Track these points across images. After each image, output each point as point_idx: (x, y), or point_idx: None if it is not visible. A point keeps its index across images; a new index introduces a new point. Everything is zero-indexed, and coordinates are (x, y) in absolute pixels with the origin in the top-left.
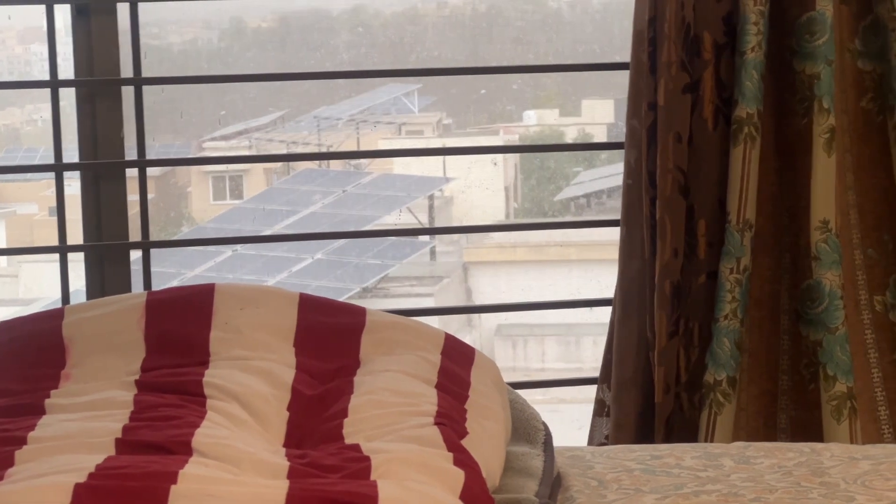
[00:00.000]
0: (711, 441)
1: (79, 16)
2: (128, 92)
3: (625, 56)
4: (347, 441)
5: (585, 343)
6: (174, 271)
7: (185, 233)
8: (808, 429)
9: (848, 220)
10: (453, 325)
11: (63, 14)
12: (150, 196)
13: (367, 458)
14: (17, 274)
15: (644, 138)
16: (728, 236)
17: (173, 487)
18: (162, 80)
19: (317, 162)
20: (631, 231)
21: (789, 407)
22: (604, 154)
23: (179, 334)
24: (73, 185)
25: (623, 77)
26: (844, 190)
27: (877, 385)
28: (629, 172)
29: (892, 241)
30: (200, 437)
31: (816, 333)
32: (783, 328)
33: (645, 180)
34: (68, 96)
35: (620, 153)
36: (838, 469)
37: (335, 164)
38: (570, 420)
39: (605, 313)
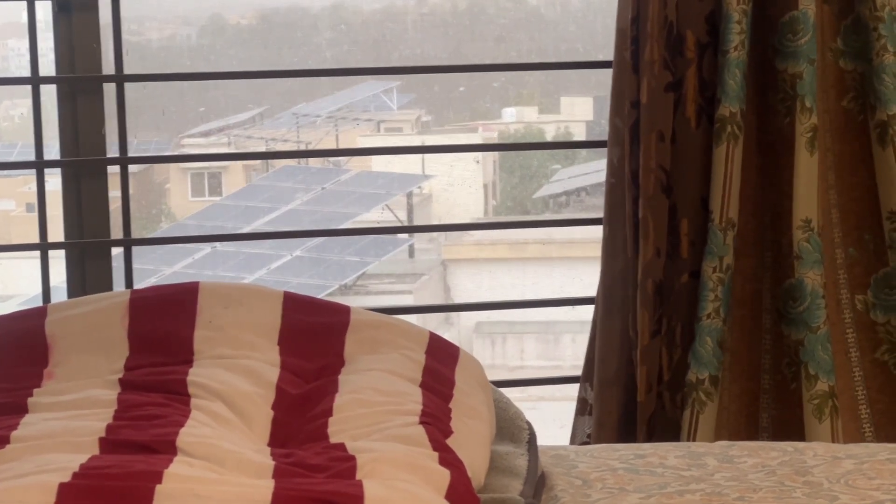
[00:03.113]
0: (694, 440)
1: (60, 11)
2: (108, 88)
3: (607, 54)
4: (332, 440)
5: (565, 341)
6: (152, 268)
7: (164, 230)
8: (790, 428)
9: (830, 220)
10: (432, 323)
11: (43, 10)
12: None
13: (353, 458)
14: None
15: (627, 137)
16: (711, 235)
17: (158, 487)
18: (145, 77)
19: (296, 159)
20: (613, 229)
21: (771, 406)
22: (583, 151)
23: (163, 333)
24: (52, 181)
25: (603, 75)
26: (826, 189)
27: (858, 384)
28: (612, 171)
29: (873, 241)
30: (185, 436)
31: (798, 333)
32: (765, 327)
33: (628, 179)
34: (48, 92)
35: (600, 151)
36: (821, 468)
37: (314, 161)
38: (550, 418)
39: (584, 311)
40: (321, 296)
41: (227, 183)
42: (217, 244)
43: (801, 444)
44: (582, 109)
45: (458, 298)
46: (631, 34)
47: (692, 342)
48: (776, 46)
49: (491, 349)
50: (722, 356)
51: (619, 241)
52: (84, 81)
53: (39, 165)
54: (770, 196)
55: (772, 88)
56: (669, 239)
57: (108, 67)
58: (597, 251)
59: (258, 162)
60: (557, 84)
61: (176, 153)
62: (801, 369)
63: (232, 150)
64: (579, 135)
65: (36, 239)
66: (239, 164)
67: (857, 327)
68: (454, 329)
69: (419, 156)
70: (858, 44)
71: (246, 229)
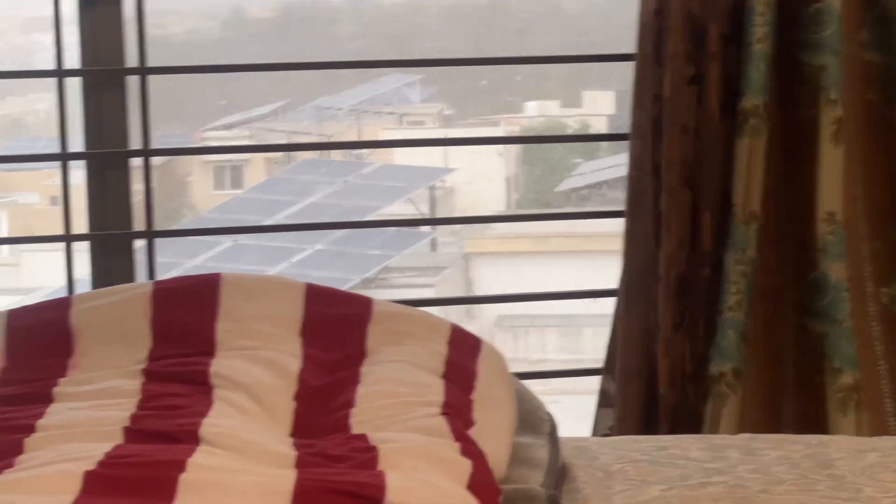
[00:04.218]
0: (716, 433)
1: (85, 5)
2: (132, 81)
3: (629, 47)
4: (354, 431)
5: (586, 334)
6: (174, 261)
7: (187, 222)
8: (814, 421)
9: (854, 212)
10: (454, 316)
11: (68, 4)
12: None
13: (375, 449)
14: (18, 263)
15: (649, 130)
16: (733, 228)
17: (181, 476)
18: (168, 69)
19: (318, 152)
20: (635, 222)
21: (794, 399)
22: (605, 145)
23: (186, 324)
24: (75, 174)
25: (625, 68)
26: (851, 182)
27: (883, 377)
28: (634, 164)
29: None
30: (208, 426)
31: (822, 325)
32: (788, 320)
33: (650, 172)
34: (72, 85)
35: (622, 144)
36: (845, 461)
37: (336, 154)
38: (572, 411)
39: (606, 304)
40: (343, 289)
41: (249, 176)
42: (239, 237)
43: (824, 437)
44: (604, 103)
45: (480, 291)
46: (654, 27)
47: (714, 335)
48: (801, 38)
49: (513, 342)
50: (744, 349)
51: (640, 234)
52: (108, 74)
53: (63, 158)
54: (793, 189)
55: (796, 81)
56: (692, 231)
57: (132, 60)
58: (618, 244)
59: (280, 155)
60: (579, 77)
61: (198, 146)
62: (824, 362)
63: (253, 143)
64: (601, 128)
65: (60, 232)
66: (261, 157)
67: (881, 320)
68: (476, 322)
69: (441, 149)
70: (884, 36)
71: (267, 222)
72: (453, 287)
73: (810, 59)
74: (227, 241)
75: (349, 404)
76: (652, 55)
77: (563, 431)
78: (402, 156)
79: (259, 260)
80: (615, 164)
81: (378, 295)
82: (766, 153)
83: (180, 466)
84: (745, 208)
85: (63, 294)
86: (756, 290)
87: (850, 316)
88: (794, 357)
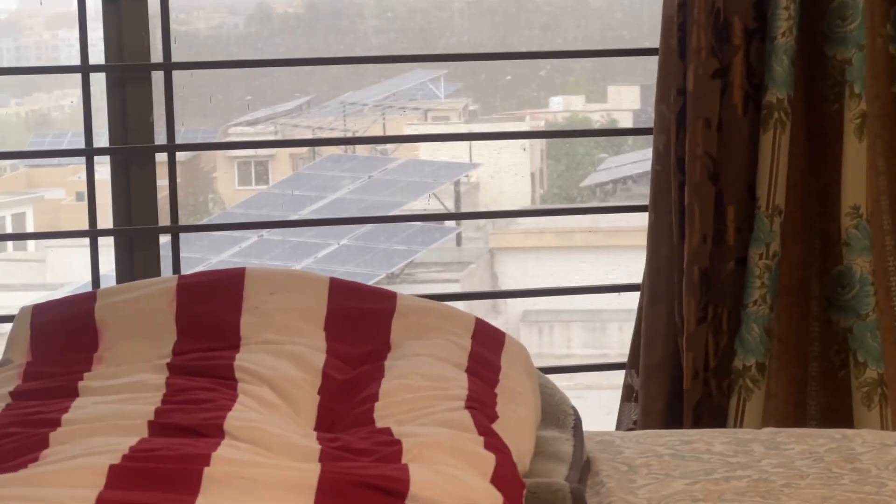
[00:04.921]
0: (741, 427)
1: (109, 1)
2: (156, 77)
3: (653, 42)
4: (378, 425)
5: (611, 329)
6: (199, 256)
7: (211, 217)
8: (838, 415)
9: (879, 206)
10: (479, 311)
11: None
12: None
13: (399, 442)
14: (45, 259)
15: (673, 124)
16: (757, 222)
17: (206, 469)
18: (193, 64)
19: (343, 147)
20: (659, 217)
21: (819, 393)
22: (630, 140)
23: (210, 318)
24: (101, 170)
25: (650, 63)
26: (876, 175)
27: None
28: (658, 158)
29: None
30: (232, 420)
31: (847, 320)
32: (813, 314)
33: (674, 166)
34: (98, 81)
35: (646, 139)
36: (870, 455)
37: (361, 150)
38: (596, 406)
39: (631, 299)
40: (368, 284)
41: (274, 171)
42: (263, 233)
43: (849, 432)
44: (628, 98)
45: (505, 286)
46: (677, 21)
47: (738, 329)
48: (825, 32)
49: (538, 337)
50: (769, 343)
51: (664, 229)
52: (133, 69)
53: (89, 153)
54: (818, 183)
55: (820, 75)
56: (716, 226)
57: (157, 56)
58: (643, 239)
59: (305, 150)
60: (604, 72)
61: (222, 141)
62: (849, 357)
63: (278, 138)
64: (626, 123)
65: (85, 227)
66: (285, 152)
67: None
68: (501, 317)
69: (466, 144)
70: None
71: (292, 218)
72: (479, 282)
73: (834, 52)
74: (252, 236)
75: (373, 398)
76: (676, 49)
77: (588, 426)
78: (426, 151)
79: (284, 255)
80: (640, 158)
81: (403, 290)
82: (790, 147)
83: (205, 460)
84: (769, 202)
85: (88, 289)
86: (780, 285)
87: (874, 310)
88: (818, 351)
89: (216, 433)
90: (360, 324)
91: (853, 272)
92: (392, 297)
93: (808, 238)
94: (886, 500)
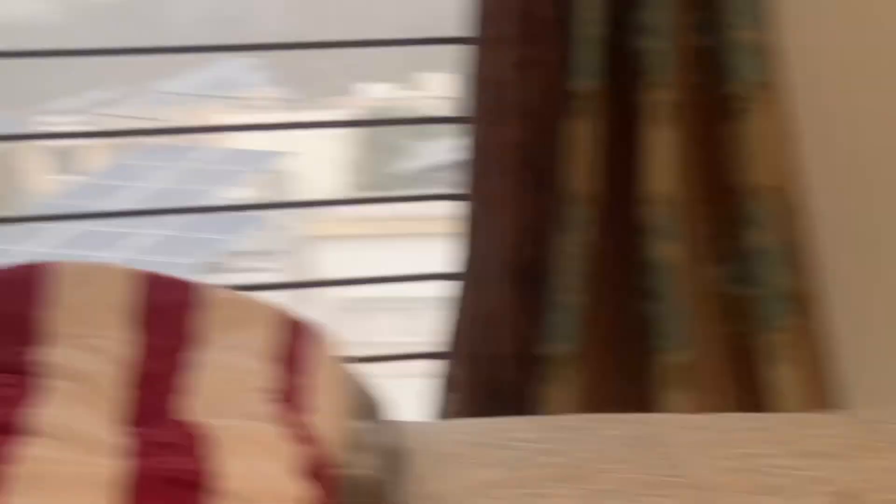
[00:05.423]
0: (554, 414)
1: None
2: None
3: (467, 30)
4: (187, 418)
5: (426, 317)
6: (4, 248)
7: (20, 209)
8: (648, 401)
9: (685, 194)
10: (294, 300)
11: None
12: None
13: (208, 435)
14: None
15: (486, 113)
16: (567, 211)
17: (9, 468)
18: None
19: (157, 137)
20: (473, 205)
21: (630, 379)
22: (443, 128)
23: (10, 313)
24: None
25: (464, 51)
26: (681, 164)
27: (714, 357)
28: (470, 147)
29: (729, 214)
30: (35, 416)
31: (655, 306)
32: (622, 301)
33: (486, 155)
34: None
35: (459, 127)
36: (679, 438)
37: (174, 140)
38: (410, 395)
39: (446, 287)
40: (184, 275)
41: (87, 162)
42: (76, 224)
43: (658, 416)
44: (444, 86)
45: (321, 275)
46: (487, 9)
47: (551, 317)
48: (631, 22)
49: (352, 326)
50: (580, 331)
51: (479, 217)
52: None
53: None
54: (626, 171)
55: (626, 64)
56: (528, 214)
57: None
58: (458, 227)
59: (118, 140)
60: (414, 60)
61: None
62: (658, 343)
63: (90, 129)
64: (440, 112)
65: None
66: (99, 143)
67: (713, 300)
68: (316, 306)
69: (280, 133)
70: (712, 19)
71: (104, 209)
72: (295, 271)
73: (640, 42)
74: (63, 227)
75: (182, 391)
76: (486, 38)
77: (401, 415)
78: (243, 141)
79: (97, 247)
80: (453, 147)
81: (220, 280)
82: (598, 136)
83: (9, 458)
84: (578, 191)
85: None
86: (590, 272)
87: (682, 296)
88: (629, 338)
89: (18, 430)
90: (168, 316)
91: (661, 259)
92: (201, 288)
93: (616, 226)
94: (693, 482)
